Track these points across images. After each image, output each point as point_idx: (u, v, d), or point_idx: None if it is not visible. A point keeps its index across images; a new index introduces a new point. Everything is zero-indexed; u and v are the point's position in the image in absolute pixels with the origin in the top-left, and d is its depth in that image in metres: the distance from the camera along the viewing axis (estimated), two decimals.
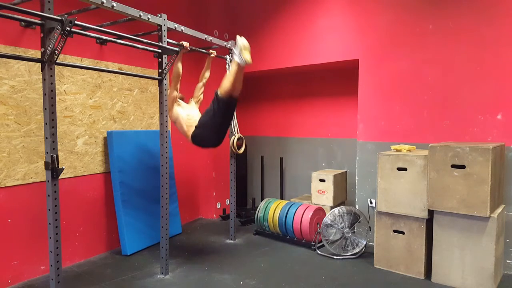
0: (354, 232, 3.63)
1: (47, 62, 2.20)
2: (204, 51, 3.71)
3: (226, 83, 2.96)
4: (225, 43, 3.82)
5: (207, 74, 3.75)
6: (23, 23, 2.83)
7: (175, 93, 3.35)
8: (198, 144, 3.32)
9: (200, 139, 3.26)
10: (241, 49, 2.80)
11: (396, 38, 3.66)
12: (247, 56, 2.81)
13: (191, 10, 4.66)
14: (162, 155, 3.08)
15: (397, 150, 3.28)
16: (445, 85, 3.42)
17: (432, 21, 3.46)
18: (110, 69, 3.46)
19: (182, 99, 3.53)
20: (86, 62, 3.42)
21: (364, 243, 3.60)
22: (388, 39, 3.71)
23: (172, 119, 3.41)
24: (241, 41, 2.82)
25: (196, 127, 3.23)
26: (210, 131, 3.19)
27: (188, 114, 3.37)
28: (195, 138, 3.25)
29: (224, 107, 3.04)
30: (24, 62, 2.94)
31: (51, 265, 2.26)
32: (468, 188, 2.76)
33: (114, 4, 2.52)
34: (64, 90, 3.26)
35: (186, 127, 3.31)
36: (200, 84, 3.71)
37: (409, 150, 3.23)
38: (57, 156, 2.24)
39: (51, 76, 2.22)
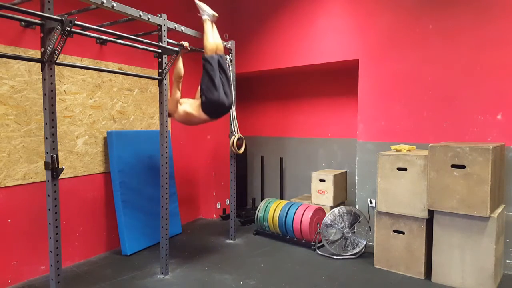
0: (354, 232, 3.63)
1: (47, 62, 2.20)
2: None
3: (208, 43, 3.31)
4: (225, 43, 3.82)
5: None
6: (23, 23, 2.83)
7: (178, 94, 3.30)
8: (212, 111, 3.31)
9: (210, 104, 3.26)
10: (203, 9, 3.40)
11: (396, 38, 3.66)
12: (212, 11, 3.40)
13: (191, 10, 4.65)
14: (162, 155, 3.08)
15: (397, 150, 3.28)
16: (445, 85, 3.42)
17: (432, 21, 3.46)
18: (110, 69, 3.45)
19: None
20: (86, 62, 3.42)
21: (364, 243, 3.60)
22: (388, 39, 3.71)
23: (179, 118, 3.38)
24: (200, 3, 3.43)
25: (200, 96, 3.29)
26: (216, 92, 3.21)
27: (191, 103, 3.39)
28: (206, 105, 3.26)
29: (215, 64, 3.26)
30: (24, 62, 2.94)
31: (51, 265, 2.26)
32: (468, 188, 2.76)
33: (114, 4, 2.52)
34: (64, 90, 3.26)
35: (194, 110, 3.32)
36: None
37: (409, 150, 3.23)
38: (57, 156, 2.24)
39: (51, 76, 2.22)
